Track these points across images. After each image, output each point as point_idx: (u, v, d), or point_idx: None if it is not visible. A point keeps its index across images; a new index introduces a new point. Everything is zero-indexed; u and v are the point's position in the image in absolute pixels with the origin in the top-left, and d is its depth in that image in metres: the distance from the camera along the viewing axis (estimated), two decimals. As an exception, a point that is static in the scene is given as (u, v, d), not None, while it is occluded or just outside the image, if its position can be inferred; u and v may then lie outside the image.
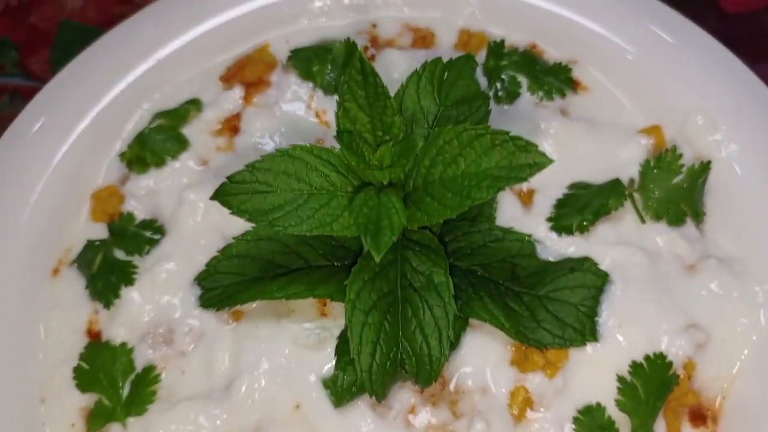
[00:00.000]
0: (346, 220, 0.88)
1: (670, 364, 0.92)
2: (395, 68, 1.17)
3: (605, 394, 0.93)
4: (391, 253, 0.95)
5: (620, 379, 0.92)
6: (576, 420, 0.92)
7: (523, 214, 1.07)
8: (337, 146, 0.88)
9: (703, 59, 1.11)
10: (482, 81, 1.06)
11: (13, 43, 1.59)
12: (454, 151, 0.84)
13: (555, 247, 1.03)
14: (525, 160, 0.80)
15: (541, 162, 0.80)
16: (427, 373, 0.90)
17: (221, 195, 0.90)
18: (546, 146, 1.10)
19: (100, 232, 1.13)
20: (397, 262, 0.94)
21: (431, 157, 0.86)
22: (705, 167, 1.03)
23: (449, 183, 0.85)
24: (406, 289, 0.92)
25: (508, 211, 1.07)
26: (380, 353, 0.89)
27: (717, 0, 1.55)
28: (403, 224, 0.82)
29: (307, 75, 1.17)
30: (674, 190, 1.02)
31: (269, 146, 1.14)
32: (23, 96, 1.54)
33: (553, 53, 1.21)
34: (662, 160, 1.02)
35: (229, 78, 1.20)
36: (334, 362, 0.95)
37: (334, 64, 1.17)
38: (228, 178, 0.89)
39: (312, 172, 0.89)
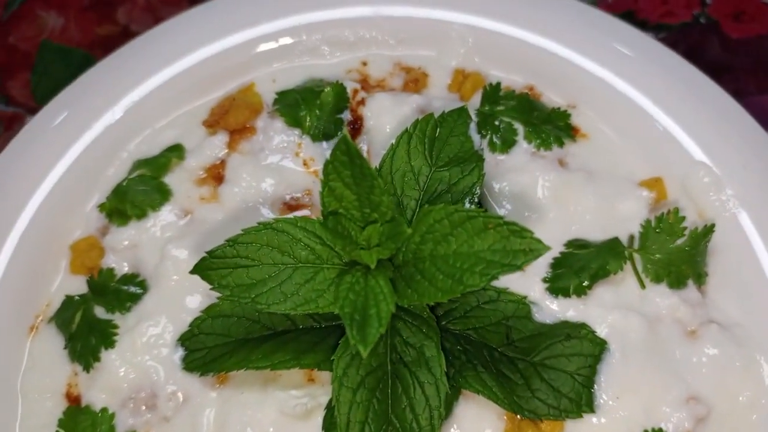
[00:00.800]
0: (331, 295, 0.85)
1: (669, 440, 0.89)
2: (385, 113, 1.12)
3: (601, 468, 0.90)
4: (381, 324, 0.92)
5: (616, 458, 0.89)
6: (571, 497, 0.90)
7: (518, 274, 1.00)
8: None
9: (710, 111, 1.06)
10: (475, 137, 1.01)
11: (-9, 65, 1.53)
12: (444, 230, 0.80)
13: (551, 309, 0.99)
14: (520, 245, 0.76)
15: (536, 249, 0.76)
16: (418, 452, 0.87)
17: (201, 269, 0.86)
18: (543, 200, 1.06)
19: (79, 285, 1.09)
20: (386, 333, 0.90)
21: (421, 234, 0.82)
22: (709, 230, 0.99)
23: (440, 262, 0.81)
24: (396, 364, 0.89)
25: (503, 269, 1.03)
26: (369, 432, 0.86)
27: (720, 26, 1.50)
28: (392, 312, 0.78)
29: (294, 122, 1.12)
30: (676, 252, 0.98)
31: (255, 197, 1.09)
32: (2, 122, 1.49)
33: (551, 96, 1.16)
34: (664, 221, 0.98)
35: (212, 123, 1.14)
36: (321, 434, 0.92)
37: (322, 109, 1.12)
38: (208, 252, 0.85)
39: (296, 245, 0.86)
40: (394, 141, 0.95)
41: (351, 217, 0.81)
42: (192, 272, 0.86)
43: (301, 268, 0.85)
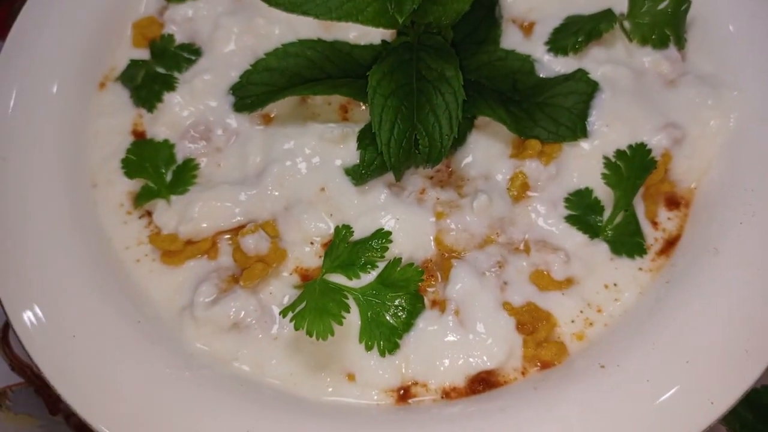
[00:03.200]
0: (370, 14, 1.00)
1: (650, 150, 1.05)
2: None
3: (593, 181, 1.06)
4: (408, 54, 1.08)
5: (606, 158, 1.05)
6: (567, 200, 1.06)
7: (524, 42, 1.19)
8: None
9: None
10: None
11: None
12: (468, -57, 0.96)
13: (551, 66, 1.16)
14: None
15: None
16: (438, 150, 1.03)
17: (260, -11, 1.02)
18: (546, -16, 1.23)
19: (141, 56, 1.24)
20: (413, 61, 1.07)
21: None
22: (687, -9, 1.15)
23: (463, -26, 0.97)
24: (421, 81, 1.05)
25: (511, 39, 1.20)
26: (398, 129, 1.02)
27: None
28: (424, -4, 0.94)
29: None
30: (660, 14, 1.15)
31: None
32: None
33: None
34: (650, -13, 1.15)
35: None
36: (356, 148, 1.07)
37: None
38: (266, -27, 1.01)
39: (340, -30, 1.01)
40: None
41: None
42: (251, -7, 1.02)
43: (345, -12, 1.02)
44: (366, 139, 1.06)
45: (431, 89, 1.04)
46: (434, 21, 1.02)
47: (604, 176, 1.03)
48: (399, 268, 0.97)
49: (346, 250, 1.00)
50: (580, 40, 1.14)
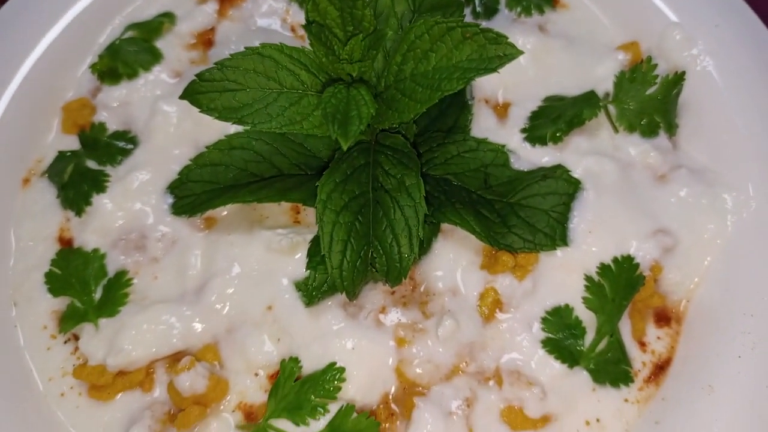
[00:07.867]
0: (316, 119, 0.88)
1: (637, 265, 0.93)
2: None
3: (574, 296, 0.94)
4: (363, 158, 0.95)
5: (588, 278, 0.93)
6: (544, 320, 0.94)
7: (498, 126, 1.07)
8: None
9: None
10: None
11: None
12: (425, 46, 0.83)
13: (528, 157, 1.03)
14: (495, 51, 0.80)
15: (510, 54, 0.79)
16: (397, 271, 0.90)
17: (190, 93, 0.89)
18: (523, 61, 1.10)
19: (71, 144, 1.11)
20: (369, 166, 0.94)
21: (402, 54, 0.85)
22: (679, 78, 1.03)
23: (420, 78, 0.84)
24: (378, 191, 0.92)
25: (484, 123, 1.07)
26: (351, 251, 0.89)
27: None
28: (372, 114, 0.82)
29: (282, -13, 1.16)
30: (648, 101, 1.02)
31: (243, 58, 1.13)
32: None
33: (532, -31, 1.20)
34: (637, 71, 1.02)
35: (203, -10, 1.18)
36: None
37: (309, -25, 1.15)
38: (197, 75, 0.88)
39: (282, 71, 0.89)
40: (377, -13, 0.98)
41: (334, 34, 0.84)
42: (181, 97, 0.88)
43: (286, 93, 0.89)
44: (316, 257, 0.94)
45: (389, 201, 0.91)
46: (389, 126, 0.90)
47: (586, 300, 0.91)
48: (352, 418, 0.86)
49: (293, 389, 0.88)
50: (559, 131, 1.02)
